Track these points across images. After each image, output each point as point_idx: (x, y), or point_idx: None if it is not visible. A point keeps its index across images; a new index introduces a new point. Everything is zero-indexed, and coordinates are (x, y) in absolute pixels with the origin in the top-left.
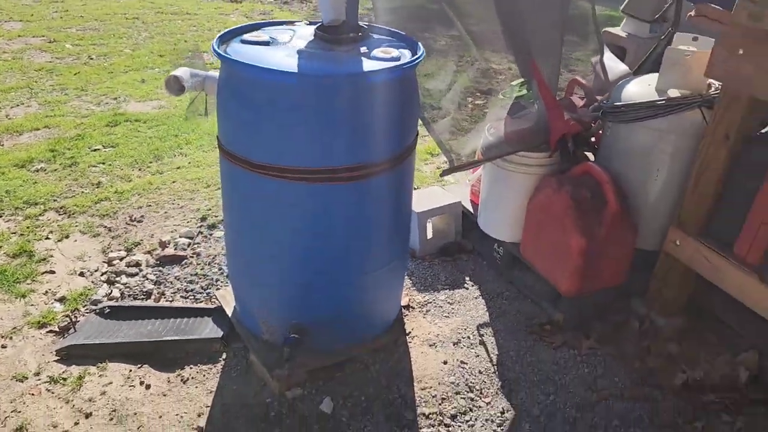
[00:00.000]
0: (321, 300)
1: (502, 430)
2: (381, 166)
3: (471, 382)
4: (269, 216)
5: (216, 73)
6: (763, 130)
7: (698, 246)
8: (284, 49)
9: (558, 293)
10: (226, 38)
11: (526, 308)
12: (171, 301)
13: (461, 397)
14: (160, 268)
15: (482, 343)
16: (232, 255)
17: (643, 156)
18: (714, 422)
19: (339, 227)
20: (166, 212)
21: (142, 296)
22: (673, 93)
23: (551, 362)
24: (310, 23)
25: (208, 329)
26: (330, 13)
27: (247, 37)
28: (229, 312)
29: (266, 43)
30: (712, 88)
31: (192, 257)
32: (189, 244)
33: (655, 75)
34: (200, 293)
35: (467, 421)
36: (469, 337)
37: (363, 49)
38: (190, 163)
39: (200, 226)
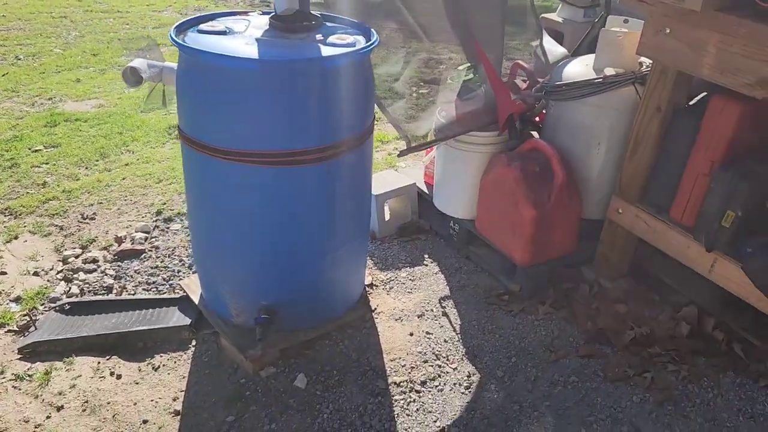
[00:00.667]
0: (289, 280)
1: (470, 392)
2: (343, 146)
3: (437, 351)
4: (235, 200)
5: (173, 64)
6: (690, 103)
7: (637, 212)
8: (242, 38)
9: (512, 265)
10: (182, 29)
11: (484, 281)
12: (134, 294)
13: (429, 365)
14: (119, 263)
15: (445, 314)
16: (198, 242)
17: (585, 131)
18: (661, 373)
19: (304, 208)
20: (119, 209)
21: (103, 291)
22: (609, 71)
23: (511, 328)
24: (264, 13)
25: (176, 317)
26: (284, 2)
27: (203, 27)
28: (195, 300)
29: (223, 33)
30: (644, 66)
31: (151, 251)
32: (146, 238)
33: (592, 56)
34: (163, 285)
35: (437, 387)
36: (432, 310)
37: (318, 37)
38: (138, 159)
39: (156, 220)
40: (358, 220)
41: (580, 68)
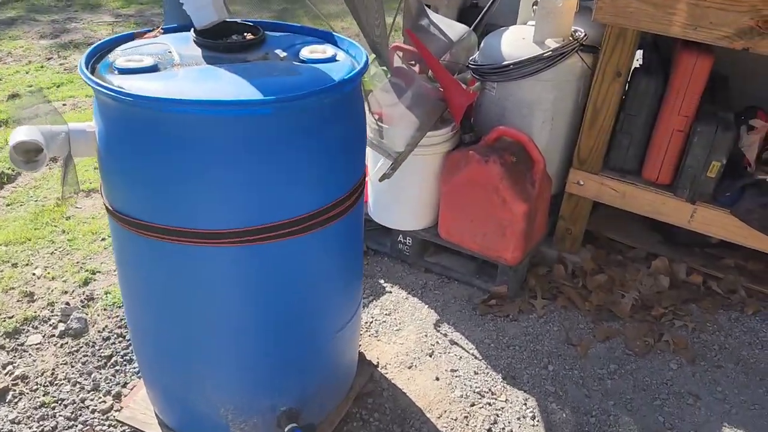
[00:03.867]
0: (295, 375)
1: (539, 421)
2: (351, 198)
3: (476, 388)
4: (222, 293)
5: (81, 125)
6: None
7: (602, 180)
8: (184, 73)
9: (488, 266)
10: (91, 71)
11: (460, 291)
12: None
13: (480, 407)
14: None
15: (454, 342)
16: (160, 355)
17: (535, 108)
18: (676, 332)
19: (296, 289)
20: None
21: None
22: (552, 43)
23: (523, 335)
24: (167, 30)
25: None
26: (208, 12)
27: (120, 64)
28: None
29: (153, 69)
30: (578, 33)
31: (17, 384)
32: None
33: (520, 28)
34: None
35: (503, 429)
36: (438, 343)
37: (280, 53)
38: None
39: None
40: (357, 286)
41: (518, 43)
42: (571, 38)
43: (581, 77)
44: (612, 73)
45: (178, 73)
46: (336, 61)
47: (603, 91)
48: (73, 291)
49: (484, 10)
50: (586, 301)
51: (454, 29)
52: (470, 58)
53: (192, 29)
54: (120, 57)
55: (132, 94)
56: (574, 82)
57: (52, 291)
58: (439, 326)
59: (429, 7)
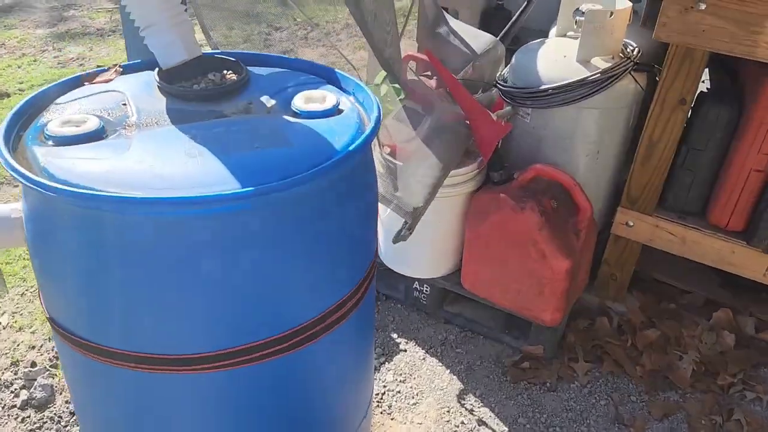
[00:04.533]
0: None
1: None
2: (348, 303)
3: None
4: (180, 425)
5: (3, 209)
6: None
7: (657, 222)
8: (138, 142)
9: (520, 320)
10: (10, 136)
11: (486, 350)
12: None
13: None
14: None
15: (482, 422)
16: None
17: (575, 139)
18: (748, 407)
19: (291, 409)
20: None
21: None
22: (599, 62)
23: (563, 410)
24: (126, 68)
25: None
26: (177, 50)
27: (55, 129)
28: None
29: (97, 136)
30: (628, 49)
31: None
32: None
33: (559, 41)
34: None
35: None
36: (463, 423)
37: (267, 101)
38: None
39: None
40: (367, 388)
41: (558, 62)
42: (621, 55)
43: (633, 102)
44: (674, 100)
45: (131, 141)
46: (339, 113)
47: (662, 120)
48: (41, 346)
49: (515, 16)
50: (637, 364)
51: (478, 39)
52: (498, 75)
53: (156, 70)
54: (57, 116)
55: (56, 188)
56: (625, 108)
57: (17, 346)
58: (464, 398)
59: (447, 10)
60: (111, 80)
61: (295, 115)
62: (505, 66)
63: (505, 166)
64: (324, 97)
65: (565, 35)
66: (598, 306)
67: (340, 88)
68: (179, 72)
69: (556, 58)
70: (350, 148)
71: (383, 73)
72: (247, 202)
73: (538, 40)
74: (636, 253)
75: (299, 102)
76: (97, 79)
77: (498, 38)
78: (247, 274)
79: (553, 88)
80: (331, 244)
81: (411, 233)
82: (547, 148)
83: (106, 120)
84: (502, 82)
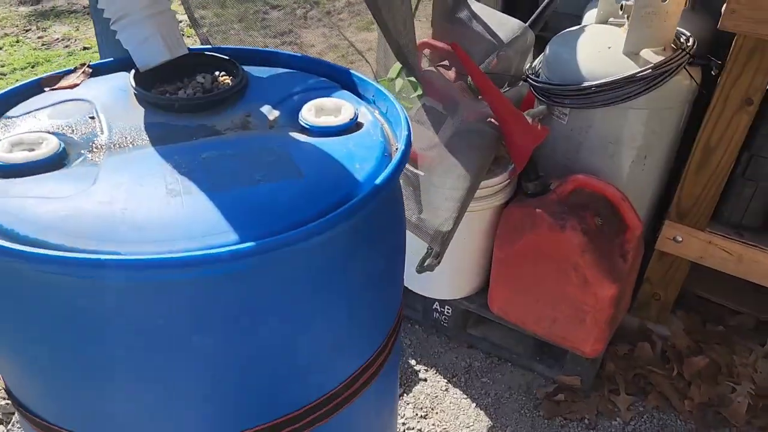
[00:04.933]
0: None
1: None
2: (370, 369)
3: None
4: None
5: None
6: None
7: (711, 238)
8: (106, 172)
9: (554, 347)
10: None
11: (513, 378)
12: None
13: None
14: None
15: None
16: None
17: (620, 143)
18: None
19: None
20: None
21: None
22: (650, 54)
23: None
24: (94, 68)
25: None
26: (157, 49)
27: (3, 155)
28: None
29: (55, 164)
30: (681, 39)
31: None
32: None
33: (601, 29)
34: None
35: None
36: None
37: (269, 113)
38: None
39: None
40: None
41: (602, 54)
42: (673, 46)
43: (686, 101)
44: (739, 99)
45: (98, 170)
46: (358, 128)
47: (722, 123)
48: None
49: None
50: (686, 398)
51: (504, 25)
52: (528, 68)
53: (133, 73)
54: (5, 135)
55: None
56: (677, 108)
57: None
58: None
59: None
60: (77, 85)
61: (304, 131)
62: (533, 57)
63: (541, 175)
64: (339, 107)
65: (606, 22)
66: (638, 328)
67: (358, 94)
68: (160, 74)
69: (599, 50)
70: (377, 181)
71: (398, 65)
72: (241, 263)
73: (575, 27)
74: (684, 272)
75: (308, 114)
76: (61, 83)
77: (527, 24)
78: (243, 346)
79: (596, 86)
80: (352, 300)
81: (439, 263)
82: (586, 154)
83: (69, 140)
84: (534, 77)
